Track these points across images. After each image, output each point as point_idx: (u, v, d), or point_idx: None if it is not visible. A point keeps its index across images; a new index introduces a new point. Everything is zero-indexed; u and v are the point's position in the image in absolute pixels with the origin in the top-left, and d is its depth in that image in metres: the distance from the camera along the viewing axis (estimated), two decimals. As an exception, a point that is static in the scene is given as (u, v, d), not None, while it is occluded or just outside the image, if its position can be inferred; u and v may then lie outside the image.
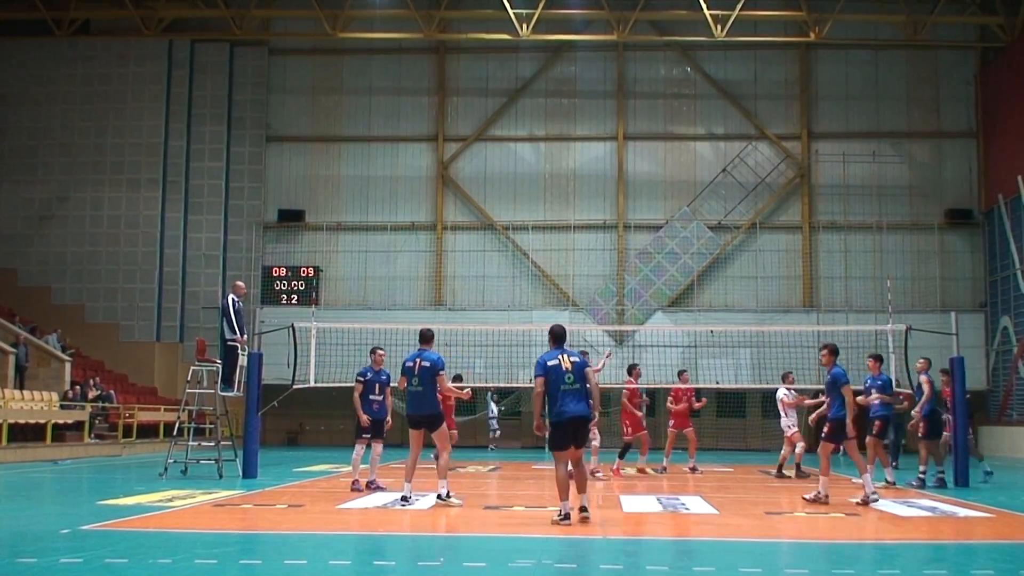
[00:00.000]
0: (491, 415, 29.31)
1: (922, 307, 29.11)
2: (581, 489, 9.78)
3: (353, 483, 13.08)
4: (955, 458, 15.37)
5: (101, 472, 17.98)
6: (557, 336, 10.11)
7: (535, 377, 9.88)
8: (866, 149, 31.52)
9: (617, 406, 18.89)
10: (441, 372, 11.11)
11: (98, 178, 31.64)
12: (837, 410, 12.20)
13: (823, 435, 12.39)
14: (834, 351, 12.52)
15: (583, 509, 9.73)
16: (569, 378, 9.70)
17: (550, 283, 31.68)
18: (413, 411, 11.23)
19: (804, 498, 12.37)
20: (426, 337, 11.40)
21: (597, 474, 16.00)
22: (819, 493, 12.16)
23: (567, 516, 9.50)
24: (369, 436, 13.13)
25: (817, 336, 26.99)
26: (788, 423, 16.81)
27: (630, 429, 17.05)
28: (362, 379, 13.14)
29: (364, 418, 13.05)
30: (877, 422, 14.91)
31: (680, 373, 18.83)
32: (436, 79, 32.75)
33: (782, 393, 16.94)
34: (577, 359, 9.88)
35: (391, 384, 13.39)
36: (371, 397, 13.16)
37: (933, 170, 31.75)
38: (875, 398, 14.94)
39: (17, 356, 23.55)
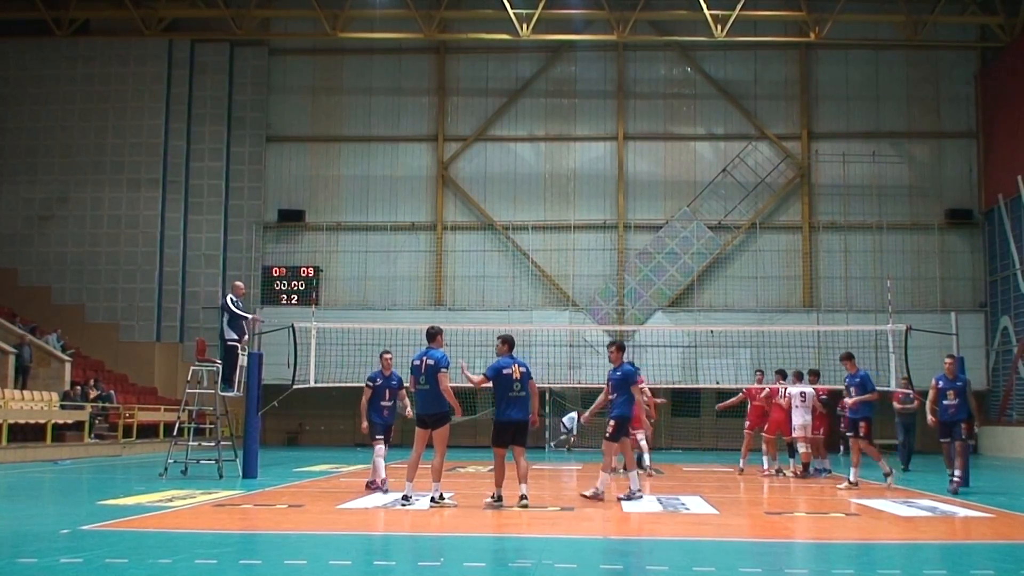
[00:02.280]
0: (564, 419, 29.12)
1: (922, 307, 29.13)
2: (523, 479, 11.08)
3: (380, 483, 12.78)
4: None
5: (101, 472, 17.98)
6: (511, 345, 11.41)
7: (483, 374, 11.30)
8: (866, 149, 31.52)
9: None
10: (443, 370, 11.05)
11: (98, 178, 31.64)
12: (622, 408, 12.21)
13: (607, 434, 12.24)
14: (621, 348, 12.53)
15: (523, 497, 10.97)
16: (516, 386, 11.10)
17: (550, 283, 31.68)
18: (421, 410, 11.21)
19: (583, 495, 12.09)
20: (431, 335, 11.38)
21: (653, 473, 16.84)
22: (597, 490, 11.97)
23: (500, 498, 11.03)
24: (382, 438, 12.95)
25: (817, 336, 27.09)
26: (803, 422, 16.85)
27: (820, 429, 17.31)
28: (371, 384, 12.92)
29: (364, 424, 12.96)
30: (863, 424, 14.73)
31: (812, 373, 17.93)
32: (436, 79, 32.75)
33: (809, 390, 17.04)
34: (525, 369, 11.20)
35: (403, 388, 13.18)
36: (381, 403, 12.95)
37: (933, 170, 31.75)
38: (852, 401, 14.83)
39: (22, 357, 23.54)
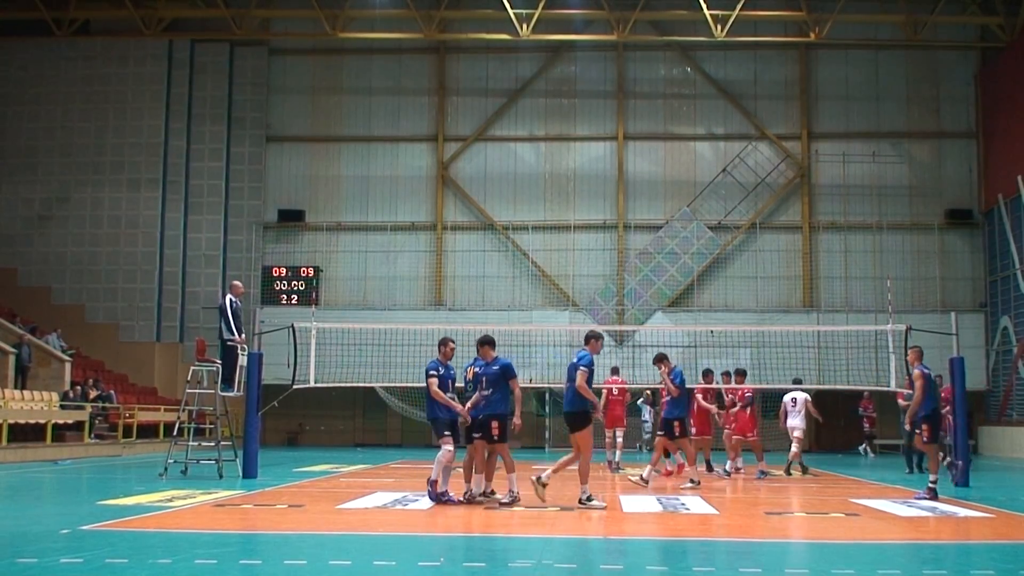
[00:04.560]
0: (644, 419, 29.09)
1: (922, 307, 29.12)
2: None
3: (443, 493, 11.45)
4: (955, 458, 15.34)
5: (101, 472, 17.98)
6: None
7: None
8: (866, 149, 31.52)
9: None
10: (582, 368, 11.13)
11: (98, 178, 31.65)
12: (500, 405, 11.39)
13: (490, 436, 11.41)
14: (491, 343, 11.71)
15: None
16: (470, 387, 11.64)
17: (550, 283, 31.68)
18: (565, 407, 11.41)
19: (502, 503, 11.35)
20: (589, 338, 11.52)
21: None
22: (512, 493, 11.35)
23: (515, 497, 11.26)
24: (449, 435, 11.59)
25: (817, 336, 27.10)
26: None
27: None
28: (435, 373, 11.69)
29: (459, 407, 11.62)
30: (676, 423, 14.61)
31: (739, 372, 17.98)
32: (436, 79, 32.75)
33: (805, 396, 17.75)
34: (479, 370, 11.51)
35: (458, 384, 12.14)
36: (483, 393, 11.62)
37: (933, 170, 31.75)
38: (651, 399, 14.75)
39: (20, 356, 23.53)
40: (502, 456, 11.55)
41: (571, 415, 11.24)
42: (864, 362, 24.52)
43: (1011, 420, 28.24)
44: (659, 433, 15.06)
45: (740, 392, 17.58)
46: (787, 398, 17.96)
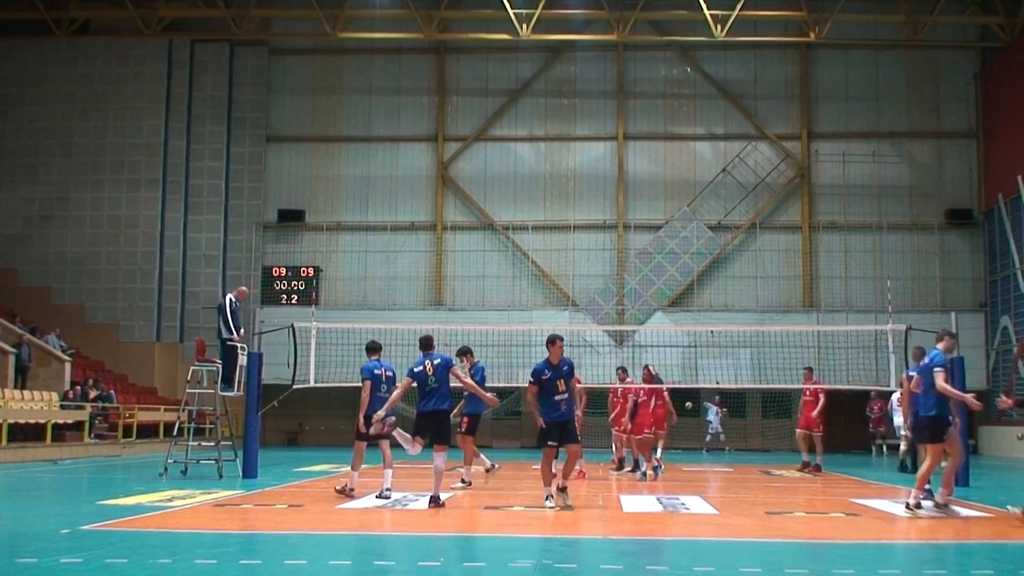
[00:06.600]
0: (710, 419, 29.17)
1: (922, 307, 29.12)
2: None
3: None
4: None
5: (101, 472, 17.99)
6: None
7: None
8: (866, 149, 31.51)
9: None
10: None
11: (98, 178, 31.65)
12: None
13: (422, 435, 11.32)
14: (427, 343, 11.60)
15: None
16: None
17: (550, 283, 31.68)
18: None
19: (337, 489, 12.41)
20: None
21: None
22: (347, 486, 12.26)
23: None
24: (556, 443, 11.36)
25: (817, 336, 27.09)
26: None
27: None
28: (534, 379, 11.63)
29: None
30: (465, 419, 13.99)
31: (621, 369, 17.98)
32: (436, 79, 32.75)
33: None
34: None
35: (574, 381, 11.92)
36: (556, 397, 11.51)
37: (933, 170, 31.74)
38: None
39: (20, 356, 23.53)
40: (383, 449, 11.97)
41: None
42: (864, 362, 24.54)
43: (1011, 420, 28.18)
44: (460, 431, 14.13)
45: (628, 391, 16.96)
46: (893, 398, 18.77)
